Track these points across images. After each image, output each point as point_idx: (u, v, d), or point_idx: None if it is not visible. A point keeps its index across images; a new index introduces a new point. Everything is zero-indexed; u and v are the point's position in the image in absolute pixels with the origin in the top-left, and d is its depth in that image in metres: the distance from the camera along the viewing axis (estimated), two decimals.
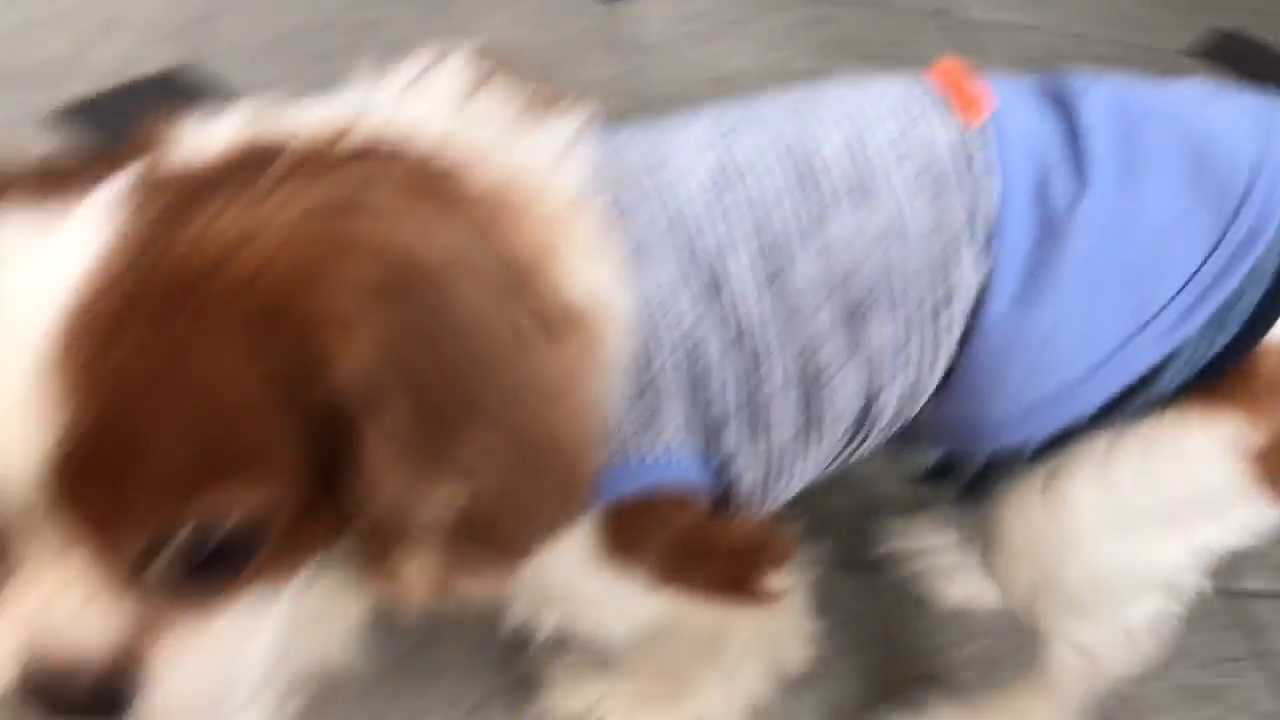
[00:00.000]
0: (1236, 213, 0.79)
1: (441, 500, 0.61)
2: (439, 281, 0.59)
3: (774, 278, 0.78)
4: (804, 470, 0.85)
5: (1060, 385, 0.81)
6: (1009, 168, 0.80)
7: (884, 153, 0.80)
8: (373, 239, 0.58)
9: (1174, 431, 0.83)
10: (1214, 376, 0.81)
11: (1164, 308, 0.79)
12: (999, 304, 0.80)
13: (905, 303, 0.80)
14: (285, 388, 0.57)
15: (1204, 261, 0.79)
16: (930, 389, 0.84)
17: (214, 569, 0.60)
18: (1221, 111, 0.84)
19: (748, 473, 0.82)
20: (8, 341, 0.55)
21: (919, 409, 0.85)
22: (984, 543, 0.94)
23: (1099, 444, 0.85)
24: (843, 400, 0.81)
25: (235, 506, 0.58)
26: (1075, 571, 0.90)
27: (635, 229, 0.75)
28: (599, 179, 0.74)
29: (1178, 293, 0.79)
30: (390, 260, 0.58)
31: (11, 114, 1.68)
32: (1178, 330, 0.80)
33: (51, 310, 0.55)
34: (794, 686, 1.01)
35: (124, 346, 0.55)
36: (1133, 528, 0.88)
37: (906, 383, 0.83)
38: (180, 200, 0.59)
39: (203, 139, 0.66)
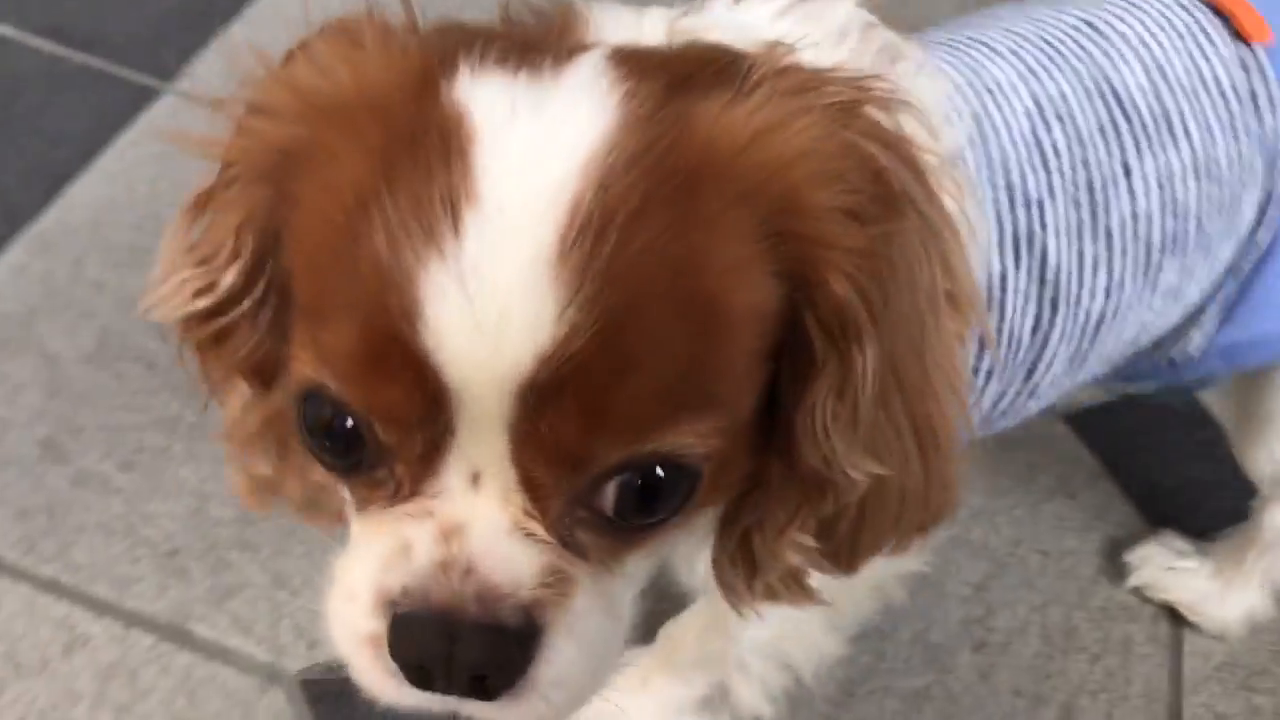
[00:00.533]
0: None
1: (863, 475, 0.53)
2: (914, 222, 0.52)
3: (1086, 222, 0.75)
4: (1038, 407, 0.83)
5: None
6: None
7: (1183, 83, 0.78)
8: (877, 160, 0.52)
9: None
10: None
11: None
12: None
13: (1201, 240, 0.78)
14: (771, 299, 0.50)
15: None
16: (1188, 317, 0.83)
17: (639, 513, 0.52)
18: None
19: (979, 411, 0.78)
20: (509, 222, 0.46)
21: (1184, 351, 0.86)
22: (1236, 430, 1.04)
23: None
24: (1117, 341, 0.80)
25: (692, 440, 0.50)
26: None
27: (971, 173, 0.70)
28: (957, 118, 0.69)
29: None
30: (913, 219, 0.52)
31: None
32: None
33: (556, 190, 0.46)
34: None
35: (639, 240, 0.47)
36: None
37: (1173, 320, 0.82)
38: (669, 87, 0.51)
39: (630, 32, 0.59)
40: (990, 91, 0.75)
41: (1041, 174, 0.75)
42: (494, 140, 0.48)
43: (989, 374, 0.76)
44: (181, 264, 0.58)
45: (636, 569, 0.57)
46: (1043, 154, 0.75)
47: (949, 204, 0.58)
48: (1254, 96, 0.79)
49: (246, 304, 0.58)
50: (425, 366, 0.47)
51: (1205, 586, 1.24)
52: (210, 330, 0.59)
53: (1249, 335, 0.86)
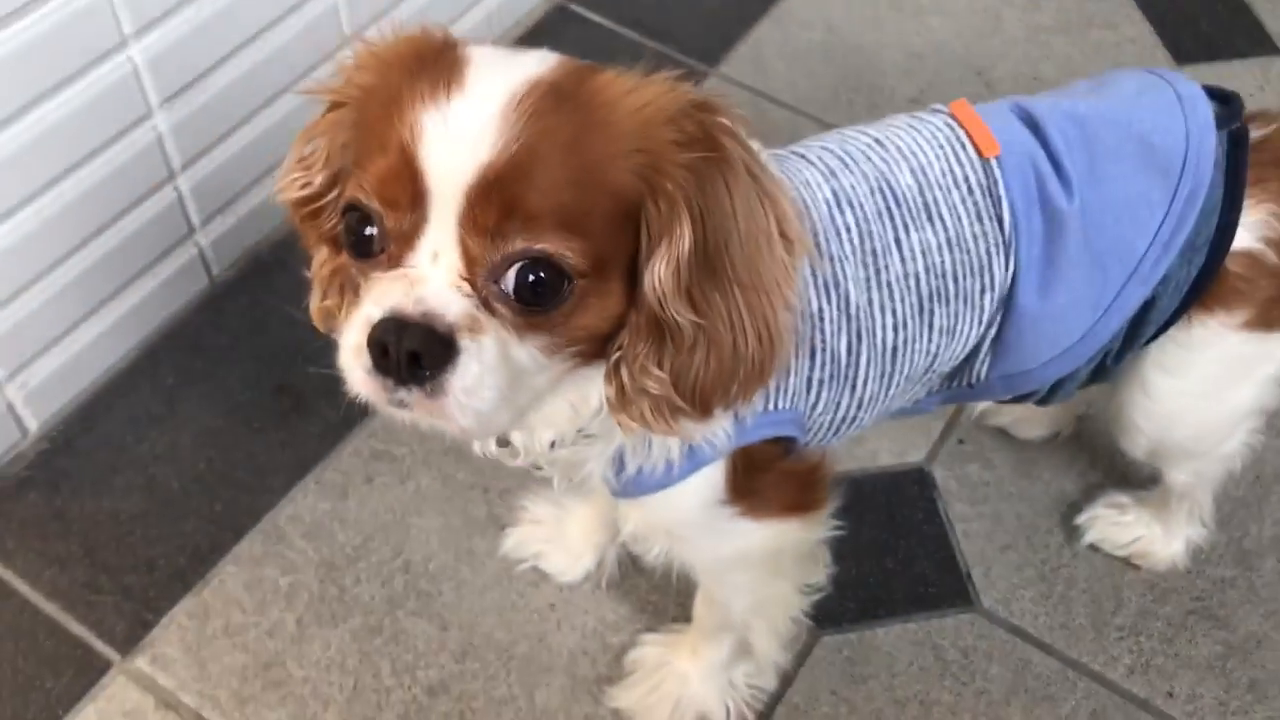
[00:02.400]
0: (1179, 179, 1.05)
1: (687, 321, 0.82)
2: (741, 179, 0.82)
3: (872, 278, 1.02)
4: (870, 417, 1.09)
5: (1078, 336, 1.09)
6: (1015, 186, 1.03)
7: (940, 182, 1.04)
8: (720, 135, 0.82)
9: (1189, 330, 1.13)
10: (1203, 289, 1.10)
11: (1141, 259, 1.07)
12: (1026, 297, 1.05)
13: (960, 293, 1.04)
14: (630, 189, 0.80)
15: (1162, 220, 1.06)
16: (971, 352, 1.09)
17: (531, 301, 0.80)
18: (1152, 103, 1.08)
19: (826, 418, 1.06)
20: (476, 98, 0.79)
21: (975, 376, 1.12)
22: (1113, 423, 1.28)
23: (1158, 351, 1.16)
24: (911, 366, 1.06)
25: (568, 253, 0.78)
26: (1179, 434, 1.26)
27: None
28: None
29: (1149, 247, 1.06)
30: (724, 155, 0.81)
31: None
32: (1155, 271, 1.07)
33: (508, 89, 0.79)
34: None
35: (549, 121, 0.78)
36: (1205, 396, 1.21)
37: (956, 351, 1.08)
38: (590, 67, 0.84)
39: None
40: (805, 186, 1.02)
41: (837, 243, 1.01)
42: (477, 67, 0.81)
43: (821, 383, 1.02)
44: (294, 168, 0.91)
45: (535, 357, 0.83)
46: (838, 230, 1.01)
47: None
48: (992, 192, 1.04)
49: (329, 196, 0.90)
50: (418, 174, 0.78)
51: (1148, 531, 1.45)
52: (307, 211, 0.92)
53: (1013, 369, 1.11)
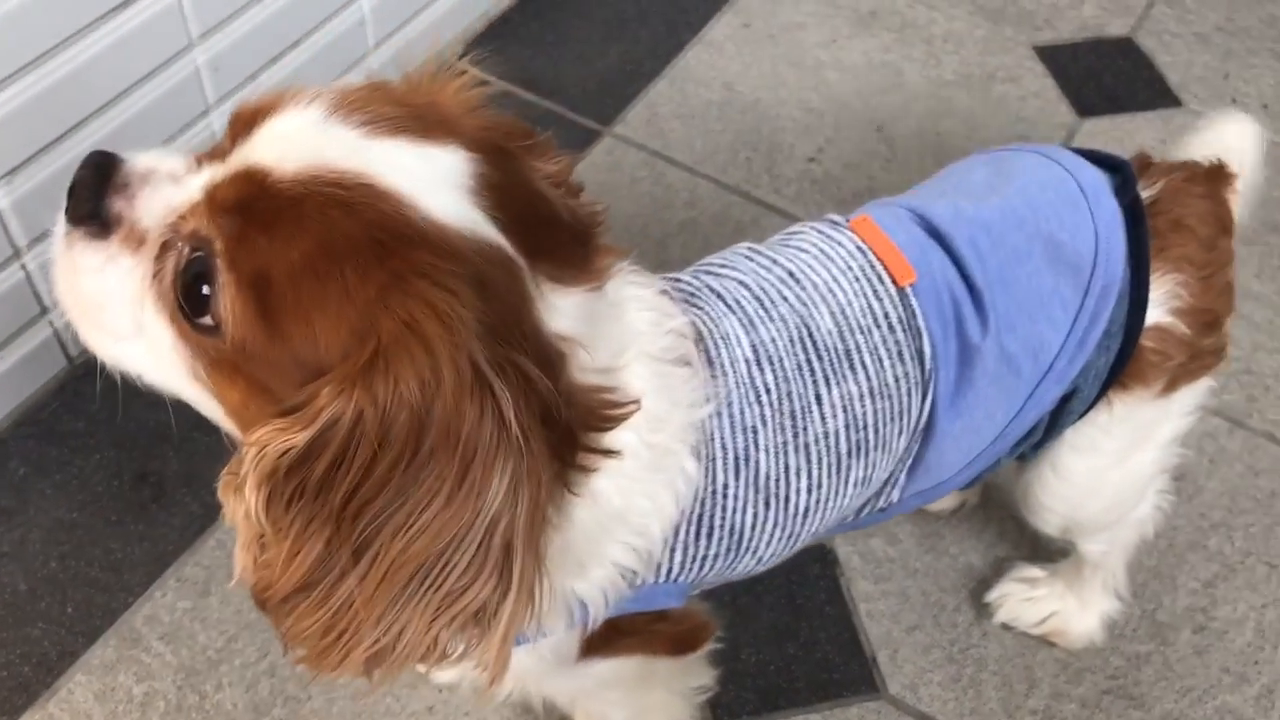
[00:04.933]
0: (1090, 277, 1.01)
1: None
2: (426, 423, 0.68)
3: (790, 441, 0.94)
4: (768, 567, 1.01)
5: (990, 439, 1.05)
6: (932, 315, 0.97)
7: (860, 324, 0.96)
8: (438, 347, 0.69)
9: (1109, 410, 1.10)
10: (1119, 371, 1.06)
11: (1054, 359, 1.02)
12: (942, 423, 0.99)
13: (880, 442, 0.97)
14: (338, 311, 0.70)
15: (1075, 317, 1.02)
16: (886, 487, 1.03)
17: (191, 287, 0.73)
18: (1056, 199, 1.03)
19: (718, 578, 0.98)
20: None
21: (886, 501, 1.05)
22: (1021, 503, 1.24)
23: (1073, 434, 1.12)
24: (823, 523, 0.99)
25: (226, 274, 0.71)
26: (1092, 508, 1.22)
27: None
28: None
29: (1061, 348, 1.02)
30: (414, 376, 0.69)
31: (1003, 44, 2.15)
32: (1071, 368, 1.03)
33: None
34: None
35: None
36: (1112, 469, 1.17)
37: (869, 494, 1.02)
38: None
39: None
40: (725, 340, 0.93)
41: (756, 407, 0.92)
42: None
43: (716, 557, 0.94)
44: None
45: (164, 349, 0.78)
46: (756, 391, 0.92)
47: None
48: (910, 324, 0.97)
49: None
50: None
51: (1061, 606, 1.38)
52: None
53: (926, 485, 1.05)
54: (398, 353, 0.68)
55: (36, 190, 1.42)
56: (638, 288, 0.86)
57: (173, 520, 1.46)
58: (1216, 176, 1.12)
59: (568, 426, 0.74)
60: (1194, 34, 2.20)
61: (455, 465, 0.68)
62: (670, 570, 0.92)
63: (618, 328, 0.82)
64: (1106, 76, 2.12)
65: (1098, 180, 1.04)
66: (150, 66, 1.49)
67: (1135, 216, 1.03)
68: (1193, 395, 1.15)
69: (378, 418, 0.67)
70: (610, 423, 0.77)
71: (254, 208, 0.71)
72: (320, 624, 0.72)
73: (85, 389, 1.56)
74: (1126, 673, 1.38)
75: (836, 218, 1.04)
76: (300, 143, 0.73)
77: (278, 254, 0.70)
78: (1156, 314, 1.05)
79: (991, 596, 1.42)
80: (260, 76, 1.64)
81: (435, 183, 0.73)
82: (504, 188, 0.76)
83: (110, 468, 1.50)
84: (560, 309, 0.76)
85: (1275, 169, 1.94)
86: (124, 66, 1.45)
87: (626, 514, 0.85)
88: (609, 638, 0.95)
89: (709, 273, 0.99)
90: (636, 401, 0.79)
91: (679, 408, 0.86)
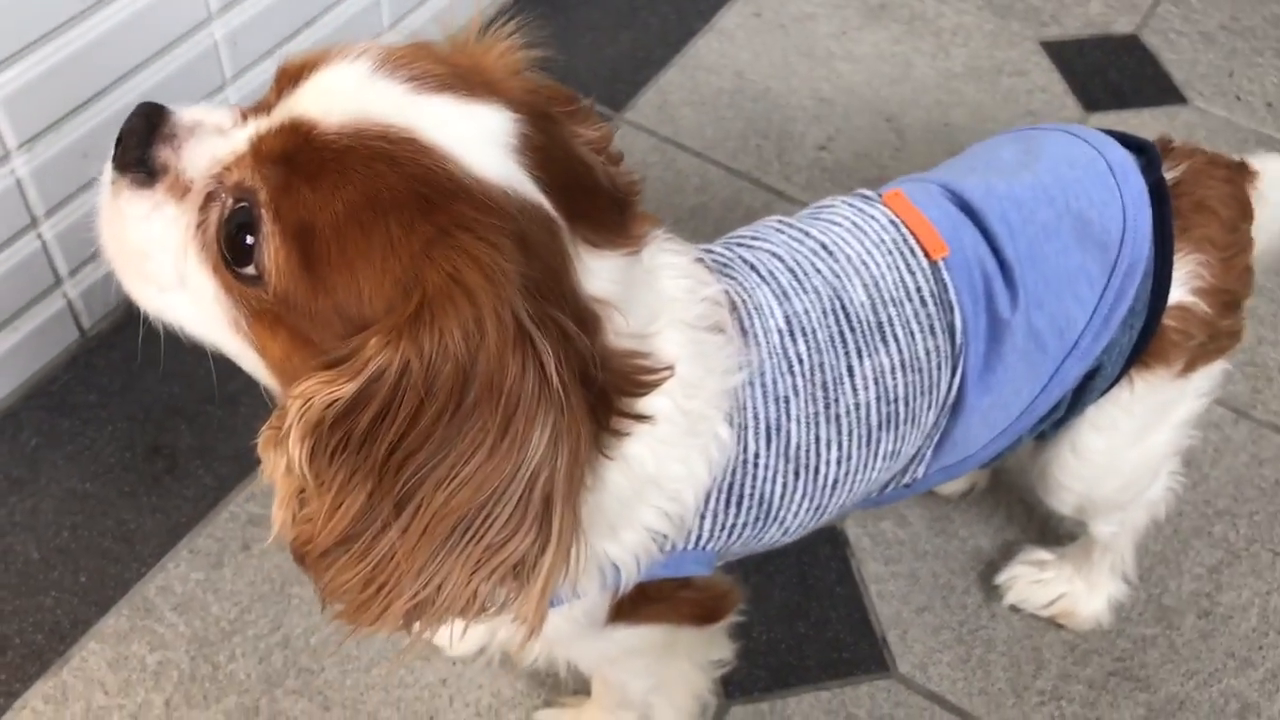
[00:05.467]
0: (1118, 254, 1.02)
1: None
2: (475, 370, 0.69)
3: (821, 412, 0.94)
4: (794, 538, 1.01)
5: (1016, 413, 1.05)
6: (964, 290, 0.97)
7: (893, 296, 0.96)
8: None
9: (1131, 389, 1.10)
10: (1142, 349, 1.07)
11: (1080, 336, 1.03)
12: (971, 398, 0.99)
13: (909, 415, 0.97)
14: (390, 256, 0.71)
15: (1101, 295, 1.02)
16: (913, 463, 1.04)
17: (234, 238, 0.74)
18: (1085, 176, 1.04)
19: (744, 547, 0.98)
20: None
21: (912, 476, 1.05)
22: (1038, 482, 1.24)
23: (1094, 411, 1.12)
24: (850, 494, 0.99)
25: (270, 224, 0.72)
26: (1108, 487, 1.23)
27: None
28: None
29: (1086, 325, 1.03)
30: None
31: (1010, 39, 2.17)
32: (1095, 345, 1.03)
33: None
34: None
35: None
36: (1130, 449, 1.18)
37: (896, 468, 1.02)
38: None
39: None
40: (758, 310, 0.93)
41: (788, 377, 0.92)
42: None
43: (745, 525, 0.94)
44: None
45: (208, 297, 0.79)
46: (789, 362, 0.93)
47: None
48: (942, 298, 0.97)
49: None
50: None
51: (1069, 588, 1.39)
52: None
53: (951, 460, 1.06)
54: (442, 305, 0.68)
55: (55, 159, 1.41)
56: (673, 255, 0.87)
57: (185, 492, 1.46)
58: (1238, 166, 1.14)
59: (603, 389, 0.75)
60: (1199, 32, 2.22)
61: (498, 417, 0.68)
62: (699, 537, 0.93)
63: (652, 294, 0.83)
64: (1112, 72, 2.14)
65: (1125, 159, 1.05)
66: (168, 39, 1.49)
67: (1159, 196, 1.04)
68: (1208, 378, 1.16)
69: (423, 369, 0.68)
70: (644, 388, 0.78)
71: (299, 159, 0.72)
72: (360, 577, 0.72)
73: (97, 361, 1.56)
74: (1133, 655, 1.40)
75: (868, 192, 1.04)
76: (346, 96, 0.74)
77: (322, 205, 0.71)
78: (1179, 293, 1.06)
79: (1001, 579, 1.43)
80: (276, 52, 1.64)
81: (479, 140, 0.74)
82: (546, 149, 0.77)
83: (122, 440, 1.50)
84: (596, 272, 0.77)
85: None
86: (142, 39, 1.46)
87: (660, 478, 0.86)
88: (637, 603, 0.96)
89: (741, 244, 0.99)
90: (670, 367, 0.79)
91: (713, 374, 0.87)
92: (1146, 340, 1.06)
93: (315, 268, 0.71)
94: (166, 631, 1.35)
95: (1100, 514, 1.30)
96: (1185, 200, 1.07)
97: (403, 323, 0.69)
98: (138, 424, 1.52)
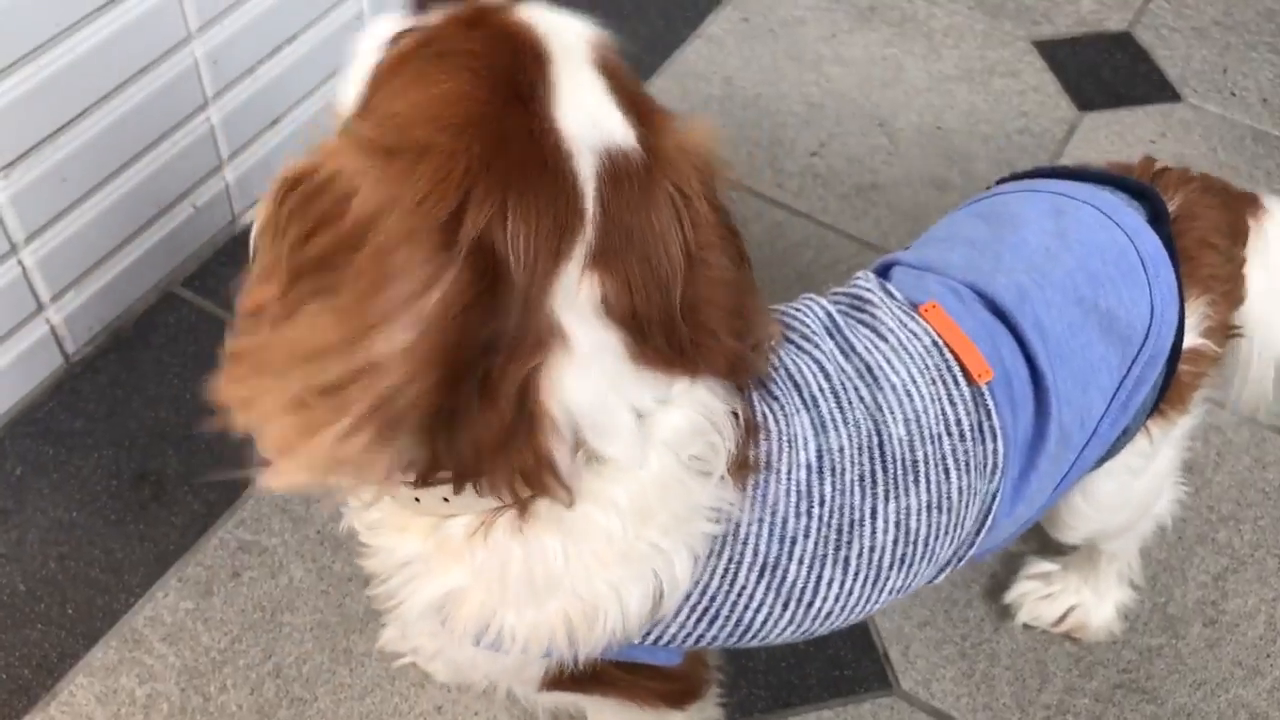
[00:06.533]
0: (1140, 348, 1.01)
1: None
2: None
3: (829, 555, 0.90)
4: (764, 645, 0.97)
5: (1037, 509, 1.05)
6: (1004, 409, 0.95)
7: (932, 433, 0.93)
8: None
9: (1148, 438, 1.09)
10: (1160, 400, 1.06)
11: (1098, 423, 1.02)
12: (1000, 519, 0.98)
13: (927, 554, 0.95)
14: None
15: (1119, 384, 1.01)
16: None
17: None
18: (1117, 273, 1.01)
19: (715, 643, 0.94)
20: None
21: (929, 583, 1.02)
22: (1046, 522, 1.23)
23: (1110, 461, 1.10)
24: (844, 621, 0.95)
25: None
26: (1118, 521, 1.23)
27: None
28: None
29: (1106, 410, 1.02)
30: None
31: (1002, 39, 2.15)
32: (1113, 431, 1.03)
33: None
34: None
35: None
36: (1138, 482, 1.16)
37: (899, 597, 0.99)
38: None
39: None
40: (790, 443, 0.89)
41: (803, 519, 0.89)
42: None
43: (715, 638, 0.91)
44: None
45: None
46: (810, 502, 0.89)
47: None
48: (981, 429, 0.94)
49: None
50: None
51: (1078, 599, 1.37)
52: None
53: (972, 556, 1.02)
54: (428, 169, 0.66)
55: (35, 184, 1.39)
56: (709, 396, 0.80)
57: (173, 520, 1.44)
58: (1239, 196, 1.13)
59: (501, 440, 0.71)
60: (1192, 28, 2.20)
61: (364, 284, 0.65)
62: (661, 639, 0.90)
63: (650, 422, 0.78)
64: (1105, 71, 2.12)
65: (1158, 251, 1.02)
66: (148, 59, 1.46)
67: (1165, 243, 1.03)
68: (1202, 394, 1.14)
69: (360, 198, 0.65)
70: (540, 490, 0.74)
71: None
72: (235, 355, 0.71)
73: (83, 387, 1.54)
74: (1139, 666, 1.38)
75: (903, 302, 0.99)
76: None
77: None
78: (1190, 338, 1.04)
79: (1010, 598, 1.41)
80: (257, 70, 1.62)
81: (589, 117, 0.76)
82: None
83: (109, 467, 1.48)
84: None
85: (1277, 166, 1.95)
86: (121, 60, 1.43)
87: (575, 588, 0.81)
88: (580, 680, 0.92)
89: (790, 340, 0.94)
90: (570, 492, 0.74)
91: (675, 515, 0.82)
92: (1164, 393, 1.05)
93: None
94: (156, 663, 1.32)
95: (1110, 540, 1.29)
96: (1189, 238, 1.05)
97: (381, 148, 0.66)
98: (124, 450, 1.50)
